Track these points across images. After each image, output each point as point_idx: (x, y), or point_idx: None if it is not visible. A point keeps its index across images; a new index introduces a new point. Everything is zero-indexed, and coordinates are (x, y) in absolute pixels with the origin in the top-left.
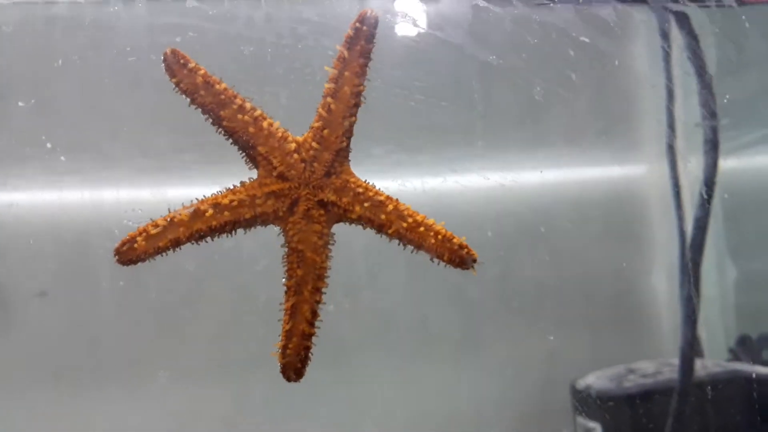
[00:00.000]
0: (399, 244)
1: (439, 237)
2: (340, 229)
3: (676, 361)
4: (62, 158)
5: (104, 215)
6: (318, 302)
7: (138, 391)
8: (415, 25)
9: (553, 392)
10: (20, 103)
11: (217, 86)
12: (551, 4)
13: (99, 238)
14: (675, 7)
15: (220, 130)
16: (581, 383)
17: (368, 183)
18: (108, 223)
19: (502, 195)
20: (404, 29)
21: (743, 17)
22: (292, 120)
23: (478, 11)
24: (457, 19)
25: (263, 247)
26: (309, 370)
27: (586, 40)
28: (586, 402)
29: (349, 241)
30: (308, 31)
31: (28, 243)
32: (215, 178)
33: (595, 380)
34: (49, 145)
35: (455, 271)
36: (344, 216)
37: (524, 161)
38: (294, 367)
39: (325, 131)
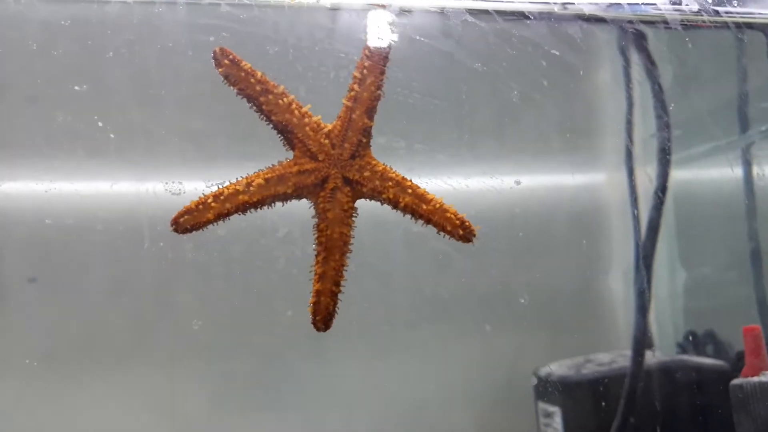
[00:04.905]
0: (411, 218)
1: (447, 214)
2: None
3: (629, 352)
4: (111, 135)
5: (148, 187)
6: (343, 266)
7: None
8: (414, 34)
9: (518, 382)
10: (76, 87)
11: (259, 77)
12: (528, 21)
13: (145, 210)
14: (629, 27)
15: (262, 116)
16: (543, 371)
17: (386, 165)
18: (152, 196)
19: (477, 197)
20: (405, 38)
21: (686, 39)
22: (310, 110)
23: (467, 25)
24: (449, 30)
25: (283, 217)
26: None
27: (557, 53)
28: (547, 388)
29: None
30: (324, 35)
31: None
32: (248, 159)
33: (556, 368)
34: (100, 124)
35: (424, 269)
36: (366, 193)
37: (499, 167)
38: (323, 320)
39: (351, 119)
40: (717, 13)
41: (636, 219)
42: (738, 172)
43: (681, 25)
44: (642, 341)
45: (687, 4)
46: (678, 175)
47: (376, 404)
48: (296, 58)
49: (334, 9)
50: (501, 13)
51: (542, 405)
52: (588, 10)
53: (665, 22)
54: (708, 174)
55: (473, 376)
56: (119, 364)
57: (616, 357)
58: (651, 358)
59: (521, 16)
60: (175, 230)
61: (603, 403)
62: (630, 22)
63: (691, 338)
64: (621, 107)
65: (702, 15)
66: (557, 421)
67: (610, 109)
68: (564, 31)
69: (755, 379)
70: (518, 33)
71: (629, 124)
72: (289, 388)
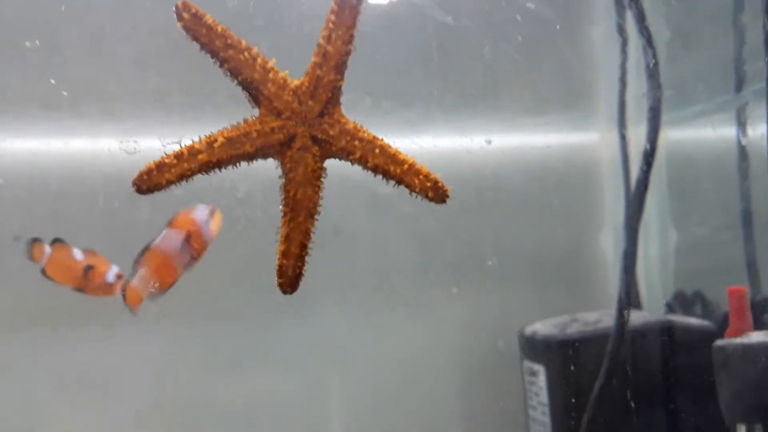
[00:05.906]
0: (382, 179)
1: (419, 175)
2: None
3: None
4: (64, 93)
5: (103, 146)
6: (310, 228)
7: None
8: None
9: (504, 341)
10: (27, 44)
11: (222, 32)
12: None
13: (99, 169)
14: None
15: (226, 72)
16: (528, 330)
17: (357, 124)
18: (107, 154)
19: (462, 157)
20: None
21: None
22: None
23: None
24: None
25: (243, 176)
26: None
27: (532, 6)
28: (532, 346)
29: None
30: None
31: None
32: (209, 117)
33: (541, 327)
34: (52, 81)
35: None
36: (335, 152)
37: (480, 126)
38: (289, 282)
39: (319, 76)
40: None
41: (627, 178)
42: (731, 132)
43: None
44: (625, 301)
45: None
46: (671, 135)
47: (355, 369)
48: (257, 12)
49: None
50: None
51: (527, 363)
52: None
53: None
54: (702, 134)
55: (460, 335)
56: (78, 330)
57: (602, 316)
58: (637, 318)
59: None
60: (137, 191)
61: (587, 363)
62: None
63: (679, 299)
64: (615, 65)
65: None
66: (541, 379)
67: (603, 70)
68: None
69: (738, 340)
70: None
71: (622, 82)
72: (253, 348)
